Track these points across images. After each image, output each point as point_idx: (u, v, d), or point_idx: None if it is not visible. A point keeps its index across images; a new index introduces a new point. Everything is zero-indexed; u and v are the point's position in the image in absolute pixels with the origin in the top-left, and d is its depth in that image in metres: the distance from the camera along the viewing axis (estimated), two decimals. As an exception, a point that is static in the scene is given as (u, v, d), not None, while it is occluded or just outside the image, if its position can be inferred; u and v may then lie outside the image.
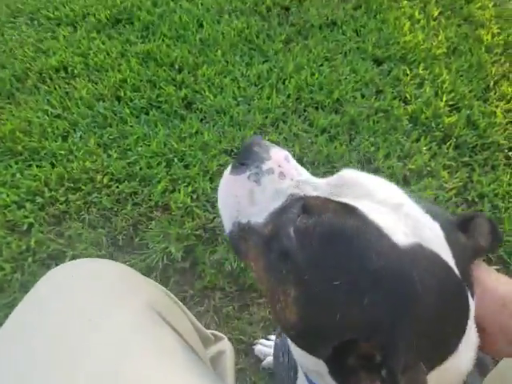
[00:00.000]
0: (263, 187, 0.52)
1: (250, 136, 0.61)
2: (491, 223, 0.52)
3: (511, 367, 0.60)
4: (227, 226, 0.56)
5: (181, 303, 0.71)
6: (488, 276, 0.48)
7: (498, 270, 1.36)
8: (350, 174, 0.52)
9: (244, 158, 0.55)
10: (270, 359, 1.18)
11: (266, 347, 1.23)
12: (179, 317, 0.67)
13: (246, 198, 0.53)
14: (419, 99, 1.61)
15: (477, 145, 1.55)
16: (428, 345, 0.40)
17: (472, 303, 0.45)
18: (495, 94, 1.67)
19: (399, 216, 0.44)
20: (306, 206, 0.48)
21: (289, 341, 0.55)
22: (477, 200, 1.45)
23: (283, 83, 1.65)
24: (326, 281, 0.42)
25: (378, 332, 0.39)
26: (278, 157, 0.54)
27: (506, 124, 1.61)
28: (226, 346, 0.92)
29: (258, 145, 0.55)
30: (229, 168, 0.56)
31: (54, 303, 0.53)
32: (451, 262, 0.43)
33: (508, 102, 1.65)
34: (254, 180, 0.53)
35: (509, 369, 0.61)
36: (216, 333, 0.93)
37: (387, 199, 0.46)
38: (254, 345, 1.25)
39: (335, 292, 0.41)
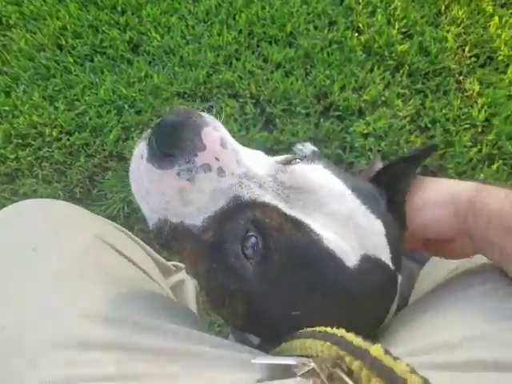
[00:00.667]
0: (198, 187, 0.44)
1: (168, 109, 0.46)
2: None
3: (433, 265, 0.62)
4: (151, 219, 0.47)
5: (135, 237, 0.70)
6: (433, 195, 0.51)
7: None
8: (298, 173, 0.46)
9: (169, 147, 0.43)
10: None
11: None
12: (133, 248, 0.65)
13: (176, 197, 0.44)
14: (372, 28, 1.57)
15: (429, 71, 1.54)
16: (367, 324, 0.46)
17: (399, 280, 0.49)
18: (446, 18, 1.64)
19: (349, 229, 0.44)
20: (255, 221, 0.43)
21: None
22: (429, 126, 1.47)
23: (233, 18, 1.57)
24: (279, 309, 0.43)
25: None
26: (213, 143, 0.44)
27: (457, 48, 1.60)
28: (186, 274, 0.92)
29: (186, 125, 0.43)
30: (144, 151, 0.44)
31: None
32: (389, 258, 0.46)
33: (458, 25, 1.63)
34: (186, 178, 0.43)
35: (431, 267, 0.64)
36: (177, 263, 0.92)
37: (337, 211, 0.45)
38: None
39: (287, 317, 0.43)
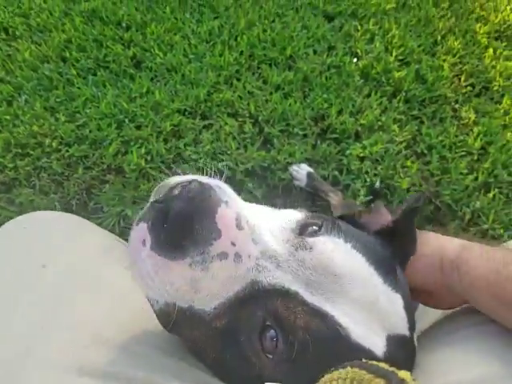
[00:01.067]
0: (212, 275, 0.39)
1: (171, 181, 0.41)
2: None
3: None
4: (156, 304, 0.42)
5: None
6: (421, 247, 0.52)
7: (445, 216, 1.38)
8: (320, 252, 0.42)
9: (180, 239, 0.38)
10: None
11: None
12: None
13: (186, 286, 0.39)
14: (370, 54, 1.60)
15: (425, 98, 1.57)
16: None
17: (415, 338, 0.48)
18: (442, 47, 1.68)
19: (373, 315, 0.42)
20: (275, 315, 0.39)
21: None
22: (426, 152, 1.48)
23: (235, 40, 1.59)
24: None
25: None
26: (229, 227, 0.39)
27: (453, 77, 1.63)
28: None
29: (198, 213, 0.38)
30: (146, 238, 0.39)
31: (5, 253, 0.51)
32: (407, 328, 0.45)
33: (454, 55, 1.67)
34: (199, 268, 0.38)
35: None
36: None
37: (362, 297, 0.42)
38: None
39: None
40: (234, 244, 0.39)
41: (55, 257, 0.50)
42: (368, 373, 0.31)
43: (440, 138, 1.49)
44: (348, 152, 1.43)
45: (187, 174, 0.43)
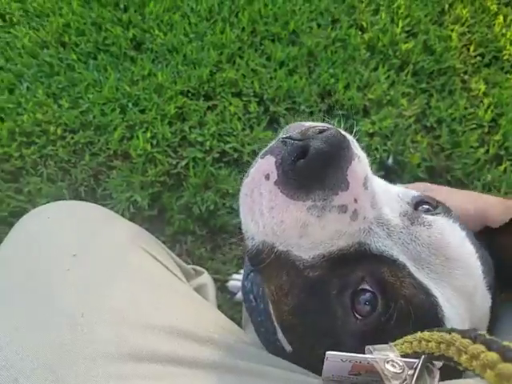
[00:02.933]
0: (324, 224, 0.38)
1: (304, 123, 0.40)
2: None
3: None
4: (251, 238, 0.41)
5: (159, 242, 0.67)
6: None
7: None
8: (438, 231, 0.40)
9: (311, 179, 0.37)
10: (242, 293, 1.16)
11: (239, 281, 1.20)
12: (161, 251, 0.62)
13: (294, 229, 0.38)
14: (375, 26, 1.52)
15: (434, 70, 1.50)
16: None
17: None
18: (450, 17, 1.59)
19: (467, 307, 0.40)
20: (379, 279, 0.37)
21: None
22: (435, 126, 1.43)
23: (236, 16, 1.51)
24: None
25: None
26: (357, 182, 0.38)
27: (462, 47, 1.55)
28: (206, 279, 0.89)
29: (335, 159, 0.36)
30: (272, 172, 0.38)
31: (33, 245, 0.49)
32: (485, 329, 0.43)
33: (462, 24, 1.58)
34: (316, 215, 0.37)
35: None
36: (196, 267, 0.89)
37: (465, 287, 0.40)
38: (227, 281, 1.22)
39: None
40: (356, 201, 0.38)
41: (85, 246, 0.48)
42: (462, 337, 0.28)
43: (450, 111, 1.43)
44: (357, 128, 1.36)
45: None
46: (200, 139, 1.33)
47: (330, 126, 0.39)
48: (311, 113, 1.41)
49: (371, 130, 1.36)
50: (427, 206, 0.43)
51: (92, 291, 0.42)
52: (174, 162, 1.31)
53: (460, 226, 0.43)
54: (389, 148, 1.35)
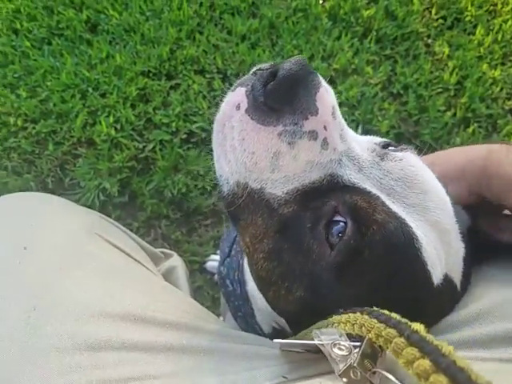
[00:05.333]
0: (296, 153, 0.36)
1: (289, 59, 0.36)
2: None
3: None
4: (226, 183, 0.39)
5: (122, 227, 0.65)
6: None
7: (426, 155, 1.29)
8: (408, 165, 0.39)
9: (280, 101, 0.35)
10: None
11: (217, 261, 1.17)
12: (121, 236, 0.61)
13: (266, 160, 0.36)
14: (337, -7, 1.44)
15: (397, 36, 1.46)
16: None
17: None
18: (411, -20, 1.52)
19: (443, 244, 0.38)
20: (353, 206, 0.35)
21: (255, 293, 0.49)
22: (402, 92, 1.41)
23: (194, -9, 1.42)
24: (345, 300, 0.36)
25: None
26: (327, 108, 0.36)
27: (424, 11, 1.51)
28: (176, 261, 0.86)
29: (305, 81, 0.35)
30: (242, 101, 0.36)
31: None
32: (459, 281, 0.42)
33: (424, -13, 1.51)
34: (287, 141, 0.36)
35: None
36: (165, 250, 0.87)
37: (439, 222, 0.38)
38: (205, 263, 1.19)
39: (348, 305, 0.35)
40: (325, 128, 0.36)
41: (36, 237, 0.47)
42: (378, 322, 0.29)
43: (415, 77, 1.40)
44: (323, 100, 1.32)
45: None
46: (165, 121, 1.27)
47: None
48: (277, 86, 1.35)
49: (338, 101, 1.28)
50: (394, 148, 0.42)
51: (44, 284, 0.41)
52: (141, 146, 1.25)
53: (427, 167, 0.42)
54: (357, 118, 1.32)
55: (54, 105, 1.29)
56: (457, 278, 0.41)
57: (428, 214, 0.38)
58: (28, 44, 1.38)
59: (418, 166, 0.39)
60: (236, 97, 0.37)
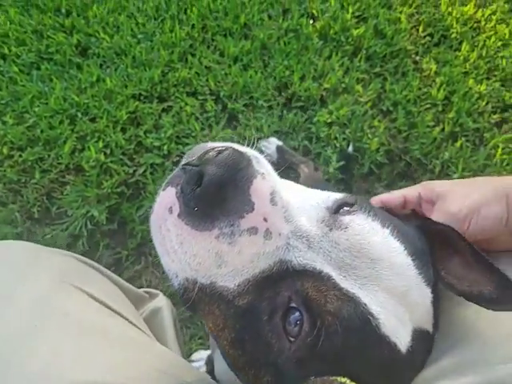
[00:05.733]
0: (239, 250, 0.32)
1: (206, 145, 0.34)
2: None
3: None
4: (175, 277, 0.35)
5: (102, 268, 0.57)
6: None
7: (415, 171, 1.19)
8: (356, 233, 0.35)
9: (211, 207, 0.31)
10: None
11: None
12: (99, 283, 0.54)
13: (210, 259, 0.33)
14: (326, 14, 1.34)
15: (386, 54, 1.34)
16: None
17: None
18: (398, -1, 1.43)
19: (402, 306, 0.35)
20: (304, 297, 0.32)
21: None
22: (391, 109, 1.28)
23: (185, 13, 1.30)
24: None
25: None
26: (263, 200, 0.32)
27: (411, 29, 1.40)
28: (161, 301, 0.74)
29: (233, 182, 0.31)
30: (175, 204, 0.32)
31: None
32: (431, 324, 0.38)
33: (410, 6, 1.43)
34: (226, 242, 0.32)
35: None
36: (150, 290, 0.76)
37: (395, 287, 0.34)
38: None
39: None
40: (265, 220, 0.33)
41: (6, 296, 0.42)
42: None
43: (404, 93, 1.28)
44: (315, 119, 1.21)
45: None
46: (157, 143, 1.13)
47: (229, 145, 0.33)
48: (270, 107, 1.24)
49: (329, 120, 1.20)
50: (348, 208, 0.37)
51: (12, 351, 0.37)
52: (131, 171, 1.11)
53: (383, 220, 0.37)
54: (347, 136, 1.19)
55: (42, 131, 1.13)
56: (428, 322, 0.38)
57: (382, 283, 0.34)
58: (16, 69, 1.22)
59: (364, 232, 0.35)
60: (167, 198, 0.33)
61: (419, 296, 0.36)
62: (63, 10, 1.31)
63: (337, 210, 0.37)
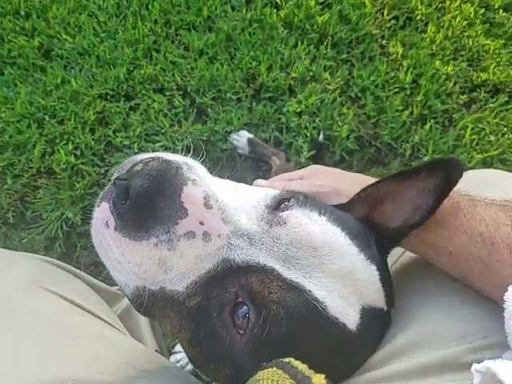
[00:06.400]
0: (180, 254, 0.34)
1: (136, 157, 0.36)
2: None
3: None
4: (126, 287, 0.37)
5: (74, 269, 0.59)
6: None
7: (386, 156, 1.23)
8: (295, 226, 0.37)
9: (143, 219, 0.32)
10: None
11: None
12: (70, 283, 0.56)
13: (154, 266, 0.34)
14: (290, 2, 1.36)
15: (352, 39, 1.37)
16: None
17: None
18: (362, -17, 1.45)
19: (348, 286, 0.37)
20: (249, 291, 0.34)
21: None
22: (360, 95, 1.32)
23: (146, 8, 1.32)
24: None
25: None
26: (196, 205, 0.34)
27: (376, 13, 1.43)
28: None
29: (161, 192, 0.33)
30: (109, 218, 0.33)
31: None
32: (383, 301, 0.41)
33: (375, -11, 1.44)
34: (166, 248, 0.33)
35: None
36: None
37: (338, 269, 0.37)
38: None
39: None
40: (201, 223, 0.34)
41: None
42: (290, 377, 0.29)
43: (372, 79, 1.32)
44: (285, 109, 1.24)
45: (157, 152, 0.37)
46: (127, 142, 1.16)
47: (156, 155, 0.34)
48: (239, 99, 1.27)
49: (298, 110, 1.23)
50: (286, 203, 0.40)
51: None
52: (103, 171, 1.14)
53: (319, 209, 0.40)
54: (318, 125, 1.23)
55: (10, 136, 1.16)
56: (380, 300, 0.40)
57: (326, 268, 0.36)
58: (-21, 75, 1.26)
59: (301, 224, 0.37)
60: (102, 213, 0.34)
61: (365, 274, 0.39)
62: (22, 13, 1.32)
63: (276, 206, 0.40)
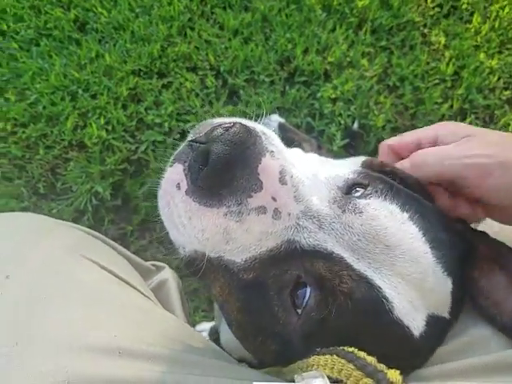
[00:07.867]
0: (247, 228, 0.34)
1: (213, 120, 0.37)
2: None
3: None
4: (182, 248, 0.39)
5: (110, 240, 0.61)
6: None
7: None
8: (371, 217, 0.36)
9: (219, 186, 0.33)
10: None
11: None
12: (108, 254, 0.57)
13: (218, 235, 0.35)
14: (330, -16, 1.36)
15: (392, 26, 1.38)
16: None
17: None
18: (406, -33, 1.44)
19: (418, 292, 0.36)
20: (318, 278, 0.34)
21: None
22: (398, 84, 1.33)
23: (183, -15, 1.34)
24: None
25: None
26: (272, 180, 0.34)
27: (419, -1, 1.41)
28: (167, 273, 0.81)
29: (241, 160, 0.33)
30: (182, 181, 0.34)
31: None
32: (448, 312, 0.39)
33: (420, -26, 1.43)
34: (235, 220, 0.34)
35: None
36: (157, 263, 0.82)
37: (410, 274, 0.36)
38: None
39: None
40: (274, 199, 0.34)
41: (18, 265, 0.43)
42: (356, 368, 0.28)
43: (411, 68, 1.32)
44: (319, 95, 1.27)
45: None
46: (158, 120, 1.21)
47: (237, 121, 0.34)
48: (272, 82, 1.29)
49: (333, 96, 1.26)
50: (360, 189, 0.39)
51: (25, 317, 0.38)
52: (133, 148, 1.19)
53: (402, 204, 0.38)
54: (352, 112, 1.25)
55: (44, 108, 1.22)
56: (445, 311, 0.39)
57: (397, 268, 0.36)
58: (16, 46, 1.30)
59: (379, 218, 0.36)
60: (175, 175, 0.35)
61: (437, 285, 0.37)
62: (60, -16, 1.36)
63: (349, 189, 0.39)
